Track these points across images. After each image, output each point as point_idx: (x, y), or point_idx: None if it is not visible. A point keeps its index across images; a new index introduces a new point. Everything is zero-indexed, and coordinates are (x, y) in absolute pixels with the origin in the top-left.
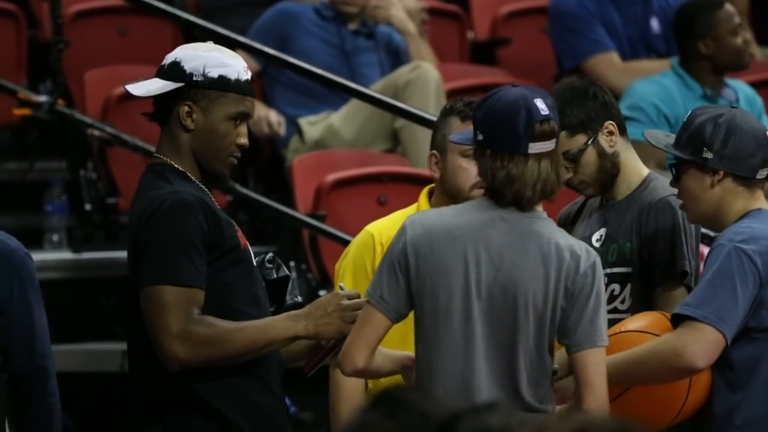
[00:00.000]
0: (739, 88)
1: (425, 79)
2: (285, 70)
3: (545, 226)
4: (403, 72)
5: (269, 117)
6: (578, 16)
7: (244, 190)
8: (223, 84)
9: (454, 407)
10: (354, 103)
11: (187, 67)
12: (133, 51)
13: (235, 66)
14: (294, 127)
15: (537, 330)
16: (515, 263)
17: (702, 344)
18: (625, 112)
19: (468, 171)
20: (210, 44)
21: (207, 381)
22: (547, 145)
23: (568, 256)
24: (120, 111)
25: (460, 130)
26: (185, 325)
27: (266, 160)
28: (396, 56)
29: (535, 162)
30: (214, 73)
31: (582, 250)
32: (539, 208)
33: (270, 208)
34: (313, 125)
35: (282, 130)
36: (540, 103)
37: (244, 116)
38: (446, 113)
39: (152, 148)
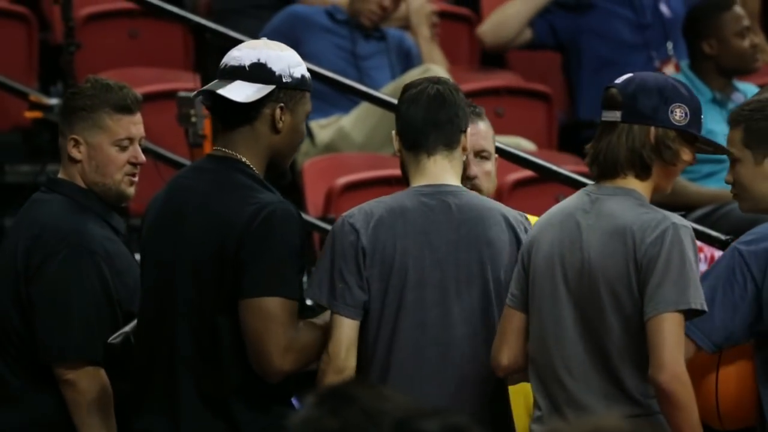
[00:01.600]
0: (749, 91)
1: None
2: None
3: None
4: (413, 75)
5: None
6: None
7: None
8: (304, 83)
9: (404, 408)
10: (364, 107)
11: (275, 68)
12: (144, 53)
13: (303, 63)
14: (305, 130)
15: (622, 313)
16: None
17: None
18: None
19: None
20: (269, 41)
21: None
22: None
23: (636, 229)
24: None
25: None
26: (293, 339)
27: None
28: (407, 59)
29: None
30: (297, 73)
31: (653, 220)
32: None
33: None
34: (323, 128)
35: None
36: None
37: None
38: None
39: (162, 151)
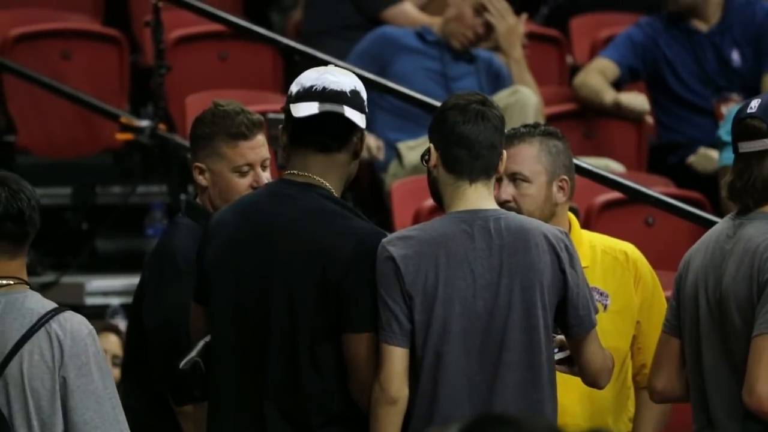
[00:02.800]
0: None
1: (524, 104)
2: (385, 94)
3: None
4: (502, 96)
5: (368, 141)
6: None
7: None
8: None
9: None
10: None
11: (365, 97)
12: (234, 76)
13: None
14: (393, 152)
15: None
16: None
17: None
18: (724, 137)
19: (498, 196)
20: (344, 69)
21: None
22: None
23: (762, 250)
24: None
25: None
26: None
27: (365, 184)
28: (496, 80)
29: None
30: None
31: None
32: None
33: None
34: (412, 150)
35: (381, 155)
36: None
37: None
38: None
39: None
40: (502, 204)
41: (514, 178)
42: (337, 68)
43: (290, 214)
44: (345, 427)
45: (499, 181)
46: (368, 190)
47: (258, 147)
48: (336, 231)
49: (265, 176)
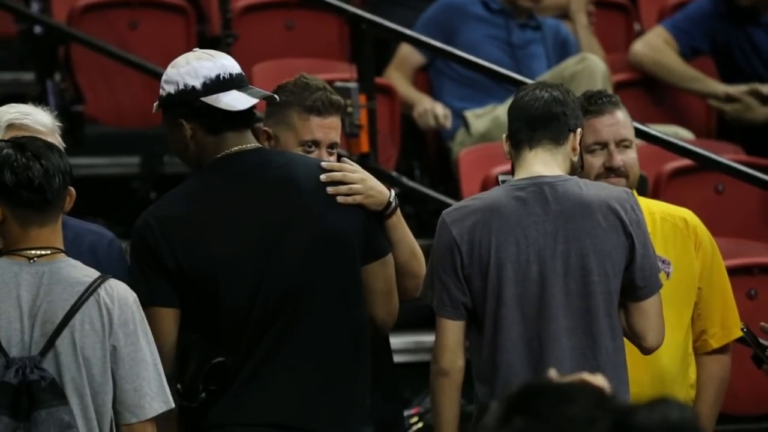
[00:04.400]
0: None
1: (592, 71)
2: (451, 62)
3: None
4: (569, 64)
5: (435, 110)
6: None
7: (411, 183)
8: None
9: (618, 406)
10: None
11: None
12: (300, 44)
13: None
14: (460, 120)
15: None
16: None
17: None
18: None
19: (593, 165)
20: (196, 52)
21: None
22: None
23: None
24: None
25: (585, 127)
26: None
27: (432, 152)
28: (563, 48)
29: None
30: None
31: None
32: None
33: (436, 201)
34: (479, 118)
35: (448, 123)
36: None
37: None
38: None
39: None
40: (616, 170)
41: (623, 144)
42: (198, 53)
43: (262, 174)
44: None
45: (594, 149)
46: (435, 159)
47: (329, 128)
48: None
49: (331, 160)
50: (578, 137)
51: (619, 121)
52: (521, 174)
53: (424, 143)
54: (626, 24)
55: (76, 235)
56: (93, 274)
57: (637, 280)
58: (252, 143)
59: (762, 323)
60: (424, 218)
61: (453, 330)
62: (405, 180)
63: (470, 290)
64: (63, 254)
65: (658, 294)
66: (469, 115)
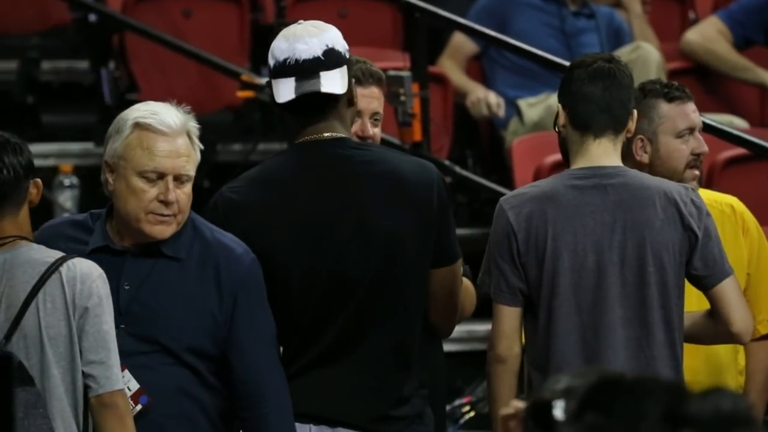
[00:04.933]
0: None
1: (646, 60)
2: (504, 51)
3: None
4: (623, 52)
5: (489, 98)
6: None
7: (464, 172)
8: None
9: (667, 391)
10: None
11: (340, 48)
12: (354, 33)
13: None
14: (513, 109)
15: None
16: None
17: None
18: None
19: (683, 152)
20: (313, 22)
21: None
22: None
23: None
24: None
25: (670, 113)
26: None
27: (485, 141)
28: (617, 37)
29: None
30: (346, 45)
31: None
32: None
33: (489, 190)
34: (532, 107)
35: (501, 112)
36: None
37: None
38: (648, 95)
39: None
40: (700, 156)
41: (696, 131)
42: (305, 25)
43: (338, 167)
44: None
45: (683, 134)
46: (488, 148)
47: (370, 97)
48: (407, 174)
49: (374, 131)
50: (635, 118)
51: (694, 111)
52: (582, 162)
53: (477, 132)
54: (681, 13)
55: (206, 244)
56: (56, 254)
57: (699, 270)
58: (332, 132)
59: None
60: (476, 207)
61: (510, 316)
62: (458, 169)
63: (526, 278)
64: (26, 241)
65: (731, 279)
66: (522, 103)
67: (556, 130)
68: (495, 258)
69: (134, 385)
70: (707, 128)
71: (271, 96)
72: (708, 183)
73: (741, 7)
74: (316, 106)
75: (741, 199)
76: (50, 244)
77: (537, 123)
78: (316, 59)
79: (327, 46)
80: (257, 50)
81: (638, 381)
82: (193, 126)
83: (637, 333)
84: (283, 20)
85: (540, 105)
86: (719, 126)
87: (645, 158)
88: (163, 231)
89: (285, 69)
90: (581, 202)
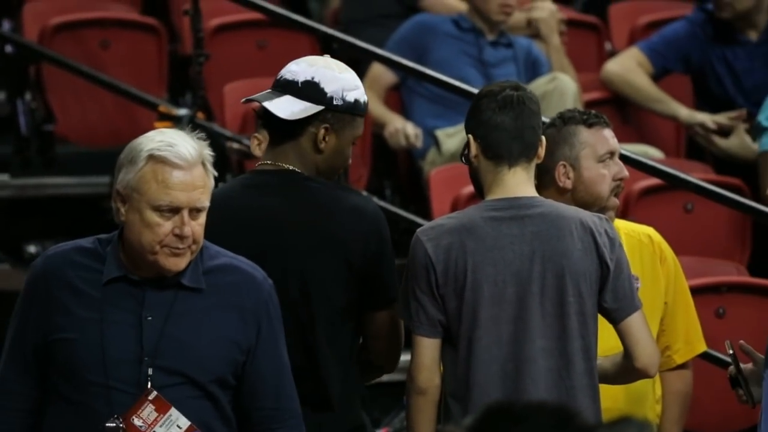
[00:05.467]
0: None
1: (563, 90)
2: (423, 82)
3: None
4: (540, 83)
5: (407, 129)
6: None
7: (382, 202)
8: (357, 108)
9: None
10: None
11: (328, 90)
12: (272, 64)
13: (362, 87)
14: (431, 139)
15: None
16: None
17: None
18: (764, 122)
19: (605, 177)
20: (330, 60)
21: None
22: None
23: None
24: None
25: (590, 139)
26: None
27: (403, 172)
28: (534, 67)
29: None
30: (350, 97)
31: None
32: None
33: (407, 221)
34: (450, 137)
35: (419, 143)
36: None
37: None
38: (568, 123)
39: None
40: (622, 180)
41: (615, 156)
42: (324, 59)
43: (276, 200)
44: (359, 407)
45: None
46: (406, 178)
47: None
48: (340, 213)
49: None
50: (544, 145)
51: (611, 136)
52: (497, 193)
53: (395, 162)
54: (597, 44)
55: (224, 272)
56: None
57: (609, 302)
58: (285, 162)
59: (741, 342)
60: (395, 238)
61: (430, 348)
62: (376, 199)
63: (445, 309)
64: None
65: (638, 314)
66: (440, 134)
67: (464, 161)
68: (413, 289)
69: (184, 422)
70: (623, 158)
71: None
72: (623, 213)
73: (661, 39)
74: (276, 129)
75: (656, 228)
76: (58, 272)
77: (455, 153)
78: (293, 82)
79: (312, 78)
80: (175, 81)
81: (525, 408)
82: (208, 154)
83: (557, 363)
84: (201, 51)
85: (458, 135)
86: (634, 156)
87: (568, 184)
88: (178, 263)
89: (274, 82)
90: (500, 234)
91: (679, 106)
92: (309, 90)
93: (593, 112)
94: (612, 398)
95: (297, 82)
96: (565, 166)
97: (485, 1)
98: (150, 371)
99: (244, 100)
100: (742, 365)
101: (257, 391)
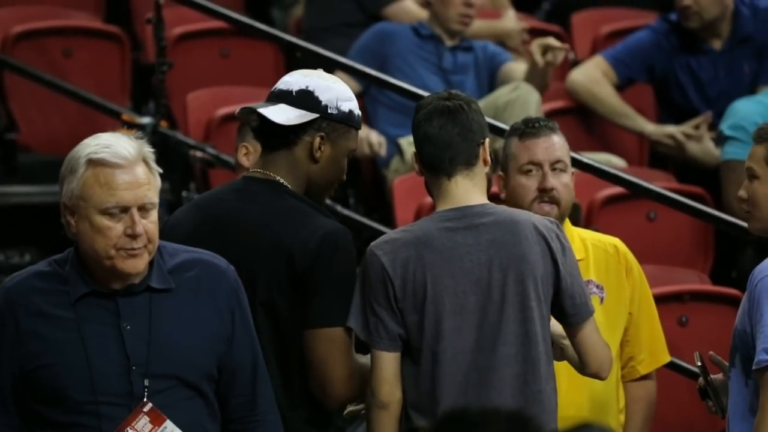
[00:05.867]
0: None
1: (525, 100)
2: (385, 90)
3: None
4: (503, 92)
5: (370, 138)
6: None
7: (345, 211)
8: (351, 119)
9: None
10: None
11: (322, 98)
12: (235, 72)
13: (355, 100)
14: (395, 147)
15: None
16: None
17: None
18: (726, 131)
19: (527, 188)
20: (323, 72)
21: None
22: None
23: None
24: (222, 132)
25: (517, 150)
26: (354, 369)
27: (367, 180)
28: (493, 62)
29: None
30: (345, 108)
31: None
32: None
33: (371, 229)
34: (413, 145)
35: (383, 151)
36: None
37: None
38: (510, 134)
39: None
40: (549, 191)
41: (555, 166)
42: (318, 72)
43: (258, 210)
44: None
45: (530, 170)
46: (370, 187)
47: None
48: (297, 228)
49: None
50: (488, 148)
51: (555, 144)
52: (446, 203)
53: (358, 171)
54: None
55: (187, 267)
56: None
57: (566, 307)
58: (272, 172)
59: (711, 353)
60: (358, 246)
61: (391, 362)
62: (339, 208)
63: (404, 323)
64: None
65: (591, 320)
66: (404, 142)
67: (419, 175)
68: (371, 304)
69: None
70: (586, 167)
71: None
72: (587, 221)
73: (625, 48)
74: (270, 138)
75: (619, 237)
76: (23, 302)
77: None
78: (287, 92)
79: (307, 87)
80: (138, 89)
81: (480, 413)
82: (149, 151)
83: (522, 369)
84: (164, 59)
85: None
86: (597, 165)
87: (504, 195)
88: (137, 265)
89: (269, 94)
90: (456, 244)
91: (645, 121)
92: (304, 98)
93: (539, 121)
94: (576, 407)
95: (291, 92)
96: (500, 177)
97: (445, 9)
98: (146, 382)
99: (238, 111)
100: (712, 376)
101: (235, 378)
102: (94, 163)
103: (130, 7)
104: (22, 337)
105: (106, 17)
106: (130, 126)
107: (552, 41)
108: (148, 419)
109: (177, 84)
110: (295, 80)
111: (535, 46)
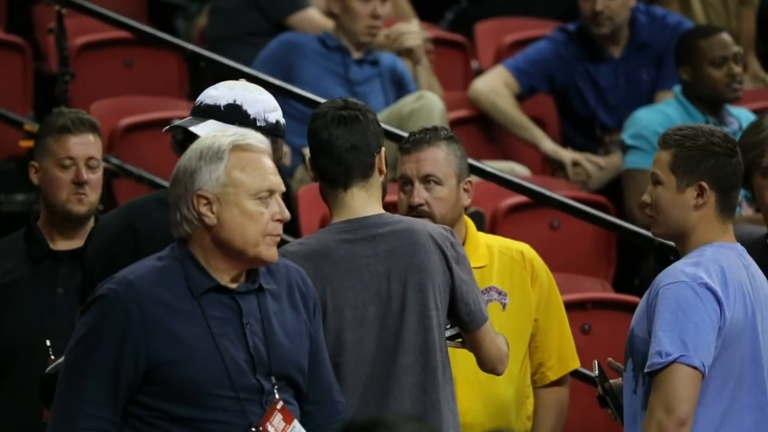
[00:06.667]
0: (743, 116)
1: (429, 109)
2: (290, 100)
3: None
4: (407, 102)
5: None
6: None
7: None
8: (278, 129)
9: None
10: None
11: (251, 111)
12: (139, 82)
13: (279, 109)
14: (299, 157)
15: None
16: None
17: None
18: (628, 141)
19: (401, 201)
20: (247, 83)
21: None
22: None
23: None
24: (126, 142)
25: (400, 164)
26: None
27: None
28: (401, 85)
29: None
30: (272, 119)
31: None
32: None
33: None
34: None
35: (287, 160)
36: None
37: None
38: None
39: (157, 180)
40: (415, 207)
41: (427, 180)
42: (241, 83)
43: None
44: None
45: (405, 185)
46: None
47: (85, 144)
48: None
49: (91, 176)
50: (383, 157)
51: (426, 159)
52: (343, 215)
53: None
54: (464, 62)
55: (277, 270)
56: None
57: (461, 314)
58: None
59: (609, 359)
60: None
61: None
62: None
63: None
64: None
65: (487, 325)
66: (308, 152)
67: (314, 181)
68: None
69: None
70: (489, 176)
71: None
72: (491, 229)
73: (526, 58)
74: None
75: None
76: (147, 297)
77: None
78: (215, 107)
79: (235, 101)
80: (41, 99)
81: (371, 421)
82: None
83: (421, 378)
84: (67, 69)
85: None
86: (499, 174)
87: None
88: (276, 254)
89: (193, 108)
90: (354, 256)
91: (543, 136)
92: (233, 113)
93: (417, 134)
94: (471, 413)
95: (219, 106)
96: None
97: (352, 21)
98: (273, 380)
99: (165, 128)
100: (612, 381)
101: (317, 382)
102: (240, 148)
103: (32, 17)
104: (150, 331)
105: (8, 27)
106: (33, 136)
107: (583, 161)
108: (281, 416)
109: (80, 94)
110: (221, 94)
111: (569, 160)
